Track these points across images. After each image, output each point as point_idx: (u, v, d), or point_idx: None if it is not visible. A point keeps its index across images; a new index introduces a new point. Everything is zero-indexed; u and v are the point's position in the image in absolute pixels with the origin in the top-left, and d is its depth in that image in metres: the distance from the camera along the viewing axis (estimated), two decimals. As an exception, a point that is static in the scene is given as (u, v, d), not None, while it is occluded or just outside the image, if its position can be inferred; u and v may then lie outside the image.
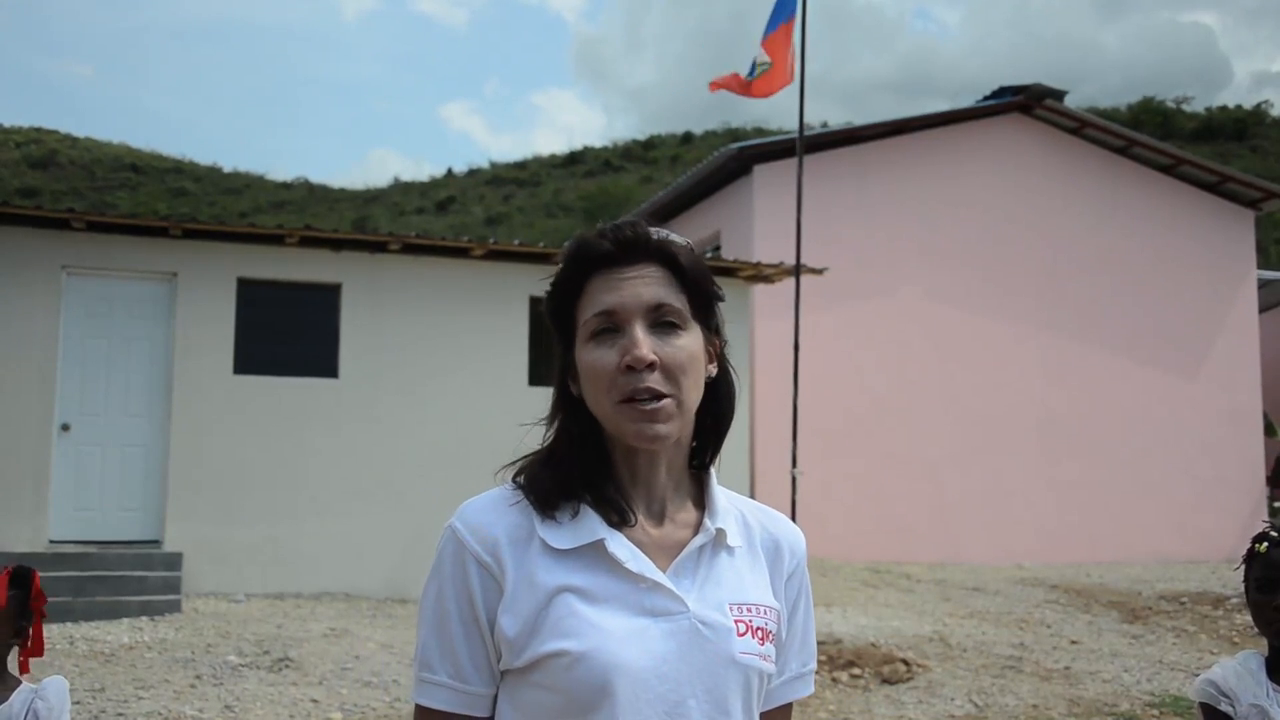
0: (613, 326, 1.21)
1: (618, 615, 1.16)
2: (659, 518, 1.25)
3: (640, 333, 1.19)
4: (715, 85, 9.62)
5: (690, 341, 1.22)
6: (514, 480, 1.26)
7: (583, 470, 1.24)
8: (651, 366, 1.18)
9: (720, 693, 1.18)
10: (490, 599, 1.19)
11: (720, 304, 1.30)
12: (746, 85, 9.28)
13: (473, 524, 1.21)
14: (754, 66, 9.23)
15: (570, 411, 1.27)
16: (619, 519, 1.21)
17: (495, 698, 1.22)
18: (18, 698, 2.40)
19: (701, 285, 1.26)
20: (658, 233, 1.25)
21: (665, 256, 1.24)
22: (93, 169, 67.54)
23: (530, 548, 1.19)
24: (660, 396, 1.19)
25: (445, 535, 1.23)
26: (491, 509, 1.23)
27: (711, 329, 1.27)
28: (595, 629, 1.14)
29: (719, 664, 1.18)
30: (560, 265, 1.27)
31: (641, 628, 1.16)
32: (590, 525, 1.20)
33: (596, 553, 1.19)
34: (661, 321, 1.21)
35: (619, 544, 1.20)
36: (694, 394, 1.23)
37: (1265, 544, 2.16)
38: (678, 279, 1.24)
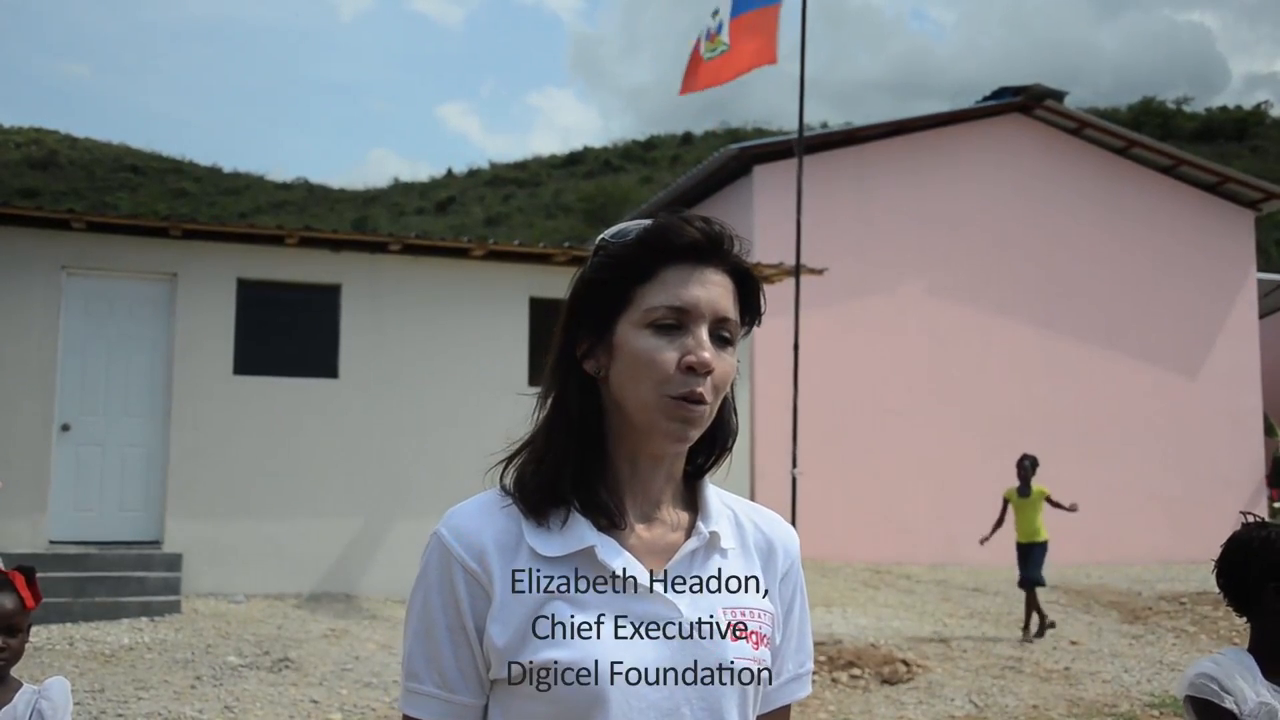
0: (679, 323, 1.18)
1: (609, 623, 1.14)
2: (651, 520, 1.23)
3: (706, 337, 1.18)
4: (687, 89, 9.55)
5: (734, 360, 1.22)
6: (501, 483, 1.23)
7: (575, 468, 1.20)
8: (709, 373, 1.17)
9: (715, 699, 1.16)
10: (478, 607, 1.16)
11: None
12: (710, 72, 9.21)
13: (459, 531, 1.19)
14: (711, 46, 9.16)
15: (578, 387, 1.23)
16: (609, 522, 1.19)
17: (485, 708, 1.19)
18: (21, 698, 2.40)
19: (757, 313, 1.26)
20: (736, 240, 1.24)
21: (739, 273, 1.24)
22: (93, 169, 67.57)
23: (519, 554, 1.17)
24: (701, 402, 1.18)
25: (431, 543, 1.21)
26: (479, 515, 1.21)
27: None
28: (586, 637, 1.13)
29: (713, 670, 1.16)
30: (628, 240, 1.22)
31: (633, 635, 1.14)
32: (579, 531, 1.18)
33: (586, 559, 1.17)
34: (719, 334, 1.20)
35: (609, 550, 1.17)
36: (717, 409, 1.22)
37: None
38: (741, 298, 1.24)
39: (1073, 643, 8.74)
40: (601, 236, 1.25)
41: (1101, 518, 14.48)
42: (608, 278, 1.21)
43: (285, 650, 7.43)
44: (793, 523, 8.48)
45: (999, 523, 9.42)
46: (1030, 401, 14.51)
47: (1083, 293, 15.01)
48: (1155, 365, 15.27)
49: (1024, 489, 9.31)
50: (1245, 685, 2.05)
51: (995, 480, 14.50)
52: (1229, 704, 2.03)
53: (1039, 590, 9.06)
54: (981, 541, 9.44)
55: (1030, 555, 9.12)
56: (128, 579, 8.86)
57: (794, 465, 8.60)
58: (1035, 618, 8.94)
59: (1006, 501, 9.43)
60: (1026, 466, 9.32)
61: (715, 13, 9.29)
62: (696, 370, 1.16)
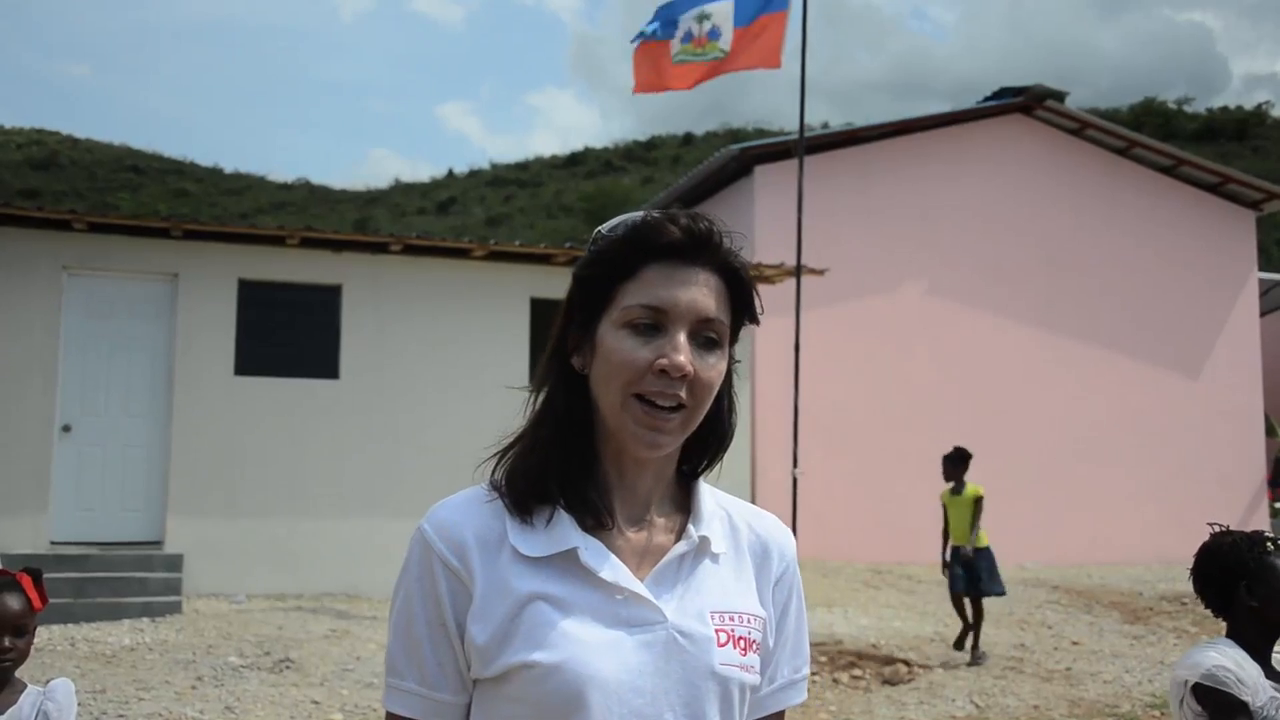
0: (656, 324, 1.15)
1: (592, 626, 1.12)
2: (640, 522, 1.20)
3: (684, 340, 1.14)
4: (647, 88, 9.34)
5: (721, 363, 1.18)
6: (491, 480, 1.21)
7: (563, 465, 1.18)
8: (684, 377, 1.13)
9: (698, 706, 1.13)
10: (459, 604, 1.14)
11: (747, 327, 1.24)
12: (686, 73, 9.09)
13: (441, 526, 1.16)
14: (696, 50, 9.07)
15: (565, 383, 1.20)
16: (595, 523, 1.16)
17: (469, 706, 1.17)
18: (26, 700, 2.41)
19: (750, 312, 1.22)
20: (726, 237, 1.20)
21: (728, 271, 1.19)
22: (94, 170, 67.64)
23: (501, 552, 1.15)
24: (677, 408, 1.14)
25: (414, 537, 1.18)
26: (463, 510, 1.18)
27: (731, 350, 1.22)
28: (568, 640, 1.10)
29: (698, 676, 1.14)
30: (615, 237, 1.19)
31: (616, 639, 1.12)
32: (564, 531, 1.15)
33: (570, 560, 1.14)
34: (703, 335, 1.16)
35: (593, 552, 1.15)
36: (702, 414, 1.18)
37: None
38: (730, 296, 1.19)
39: (1074, 643, 8.74)
40: (598, 229, 1.22)
41: (1102, 518, 14.48)
42: (593, 274, 1.19)
43: (286, 650, 7.43)
44: (793, 522, 8.50)
45: (946, 532, 8.27)
46: (1031, 401, 14.51)
47: (1084, 293, 15.00)
48: (1156, 365, 15.27)
49: (956, 487, 8.16)
50: (1257, 677, 2.10)
51: (995, 480, 14.52)
52: (1246, 695, 2.08)
53: (1005, 602, 8.19)
54: (944, 569, 8.20)
55: (978, 564, 7.90)
56: (129, 579, 8.87)
57: (795, 465, 8.60)
58: (970, 635, 7.88)
59: (945, 505, 8.31)
60: (953, 461, 8.18)
61: (702, 18, 9.18)
62: (669, 373, 1.12)
